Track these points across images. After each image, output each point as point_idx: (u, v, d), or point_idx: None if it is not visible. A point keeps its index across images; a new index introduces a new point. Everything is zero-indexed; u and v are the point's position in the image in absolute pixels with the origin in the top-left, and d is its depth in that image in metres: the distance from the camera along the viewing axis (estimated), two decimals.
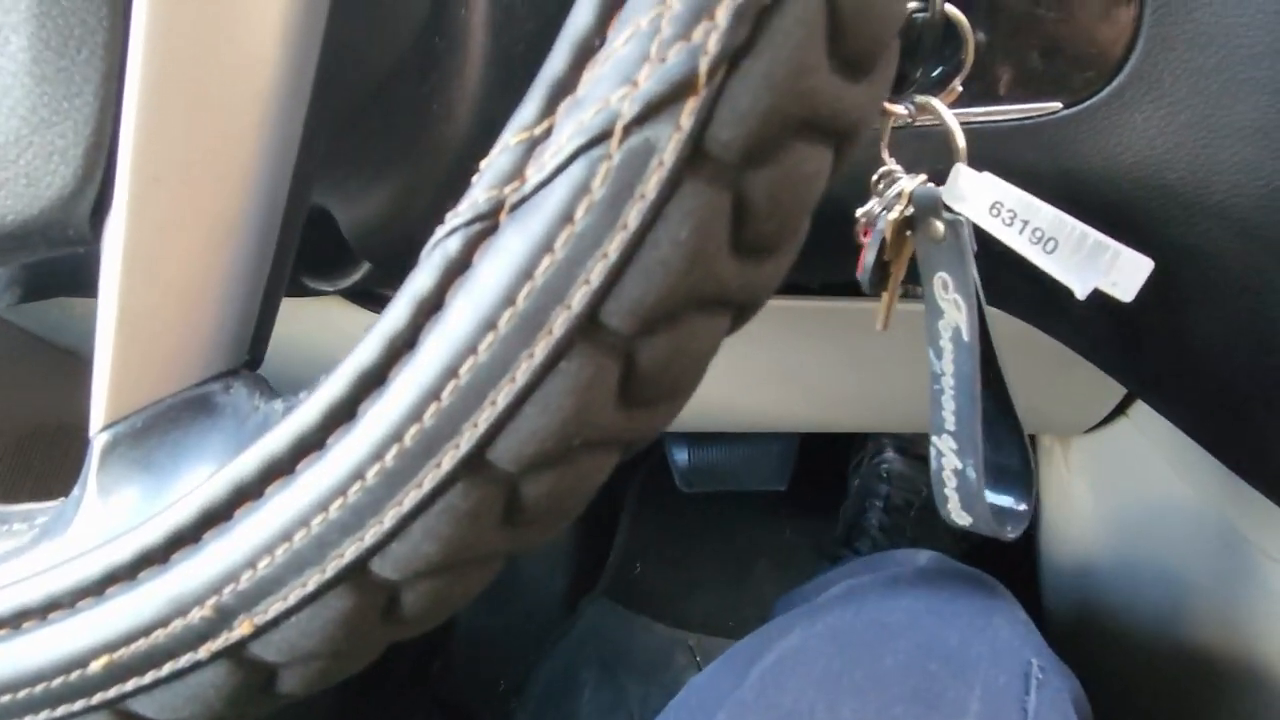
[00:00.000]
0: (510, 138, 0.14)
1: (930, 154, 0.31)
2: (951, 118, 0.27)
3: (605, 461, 0.16)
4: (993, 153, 0.30)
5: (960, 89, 0.28)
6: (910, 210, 0.29)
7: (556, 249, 0.13)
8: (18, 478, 0.70)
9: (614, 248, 0.13)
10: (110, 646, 0.16)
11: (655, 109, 0.13)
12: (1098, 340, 0.36)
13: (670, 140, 0.13)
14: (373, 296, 0.50)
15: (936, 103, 0.27)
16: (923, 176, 0.29)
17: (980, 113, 0.30)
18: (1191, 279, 0.30)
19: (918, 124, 0.29)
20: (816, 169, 0.14)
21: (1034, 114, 0.30)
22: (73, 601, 0.17)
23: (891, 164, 0.30)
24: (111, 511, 0.17)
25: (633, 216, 0.13)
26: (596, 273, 0.13)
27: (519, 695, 0.87)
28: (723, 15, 0.12)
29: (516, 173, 0.14)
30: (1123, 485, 0.56)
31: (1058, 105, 0.29)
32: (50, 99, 0.17)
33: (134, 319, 0.18)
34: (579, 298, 0.14)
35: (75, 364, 0.74)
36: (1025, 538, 0.75)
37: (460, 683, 0.90)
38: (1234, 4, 0.27)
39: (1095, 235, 0.24)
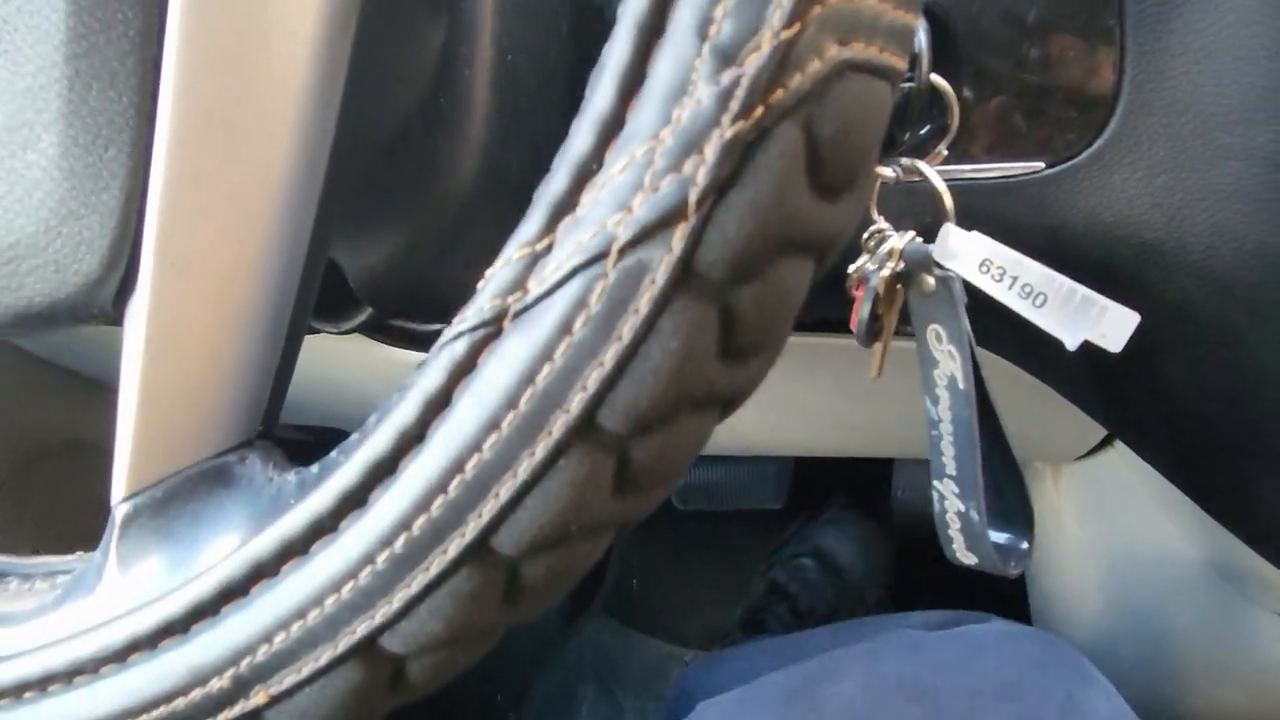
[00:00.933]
0: (513, 251, 0.15)
1: (916, 208, 0.32)
2: (939, 180, 0.28)
3: (601, 542, 0.17)
4: (977, 208, 0.31)
5: (946, 152, 0.29)
6: (901, 266, 0.30)
7: (556, 358, 0.14)
8: (26, 495, 0.71)
9: (609, 358, 0.14)
10: (132, 713, 0.17)
11: (648, 233, 0.14)
12: (1080, 385, 0.37)
13: (662, 262, 0.14)
14: (380, 328, 0.51)
15: (924, 166, 0.28)
16: (911, 234, 0.30)
17: (966, 170, 0.31)
18: (1170, 333, 0.31)
19: (904, 180, 0.30)
20: (799, 280, 0.15)
21: (1017, 173, 0.31)
22: (96, 668, 0.18)
23: (881, 222, 0.31)
24: (133, 580, 0.18)
25: (627, 330, 0.14)
26: (593, 380, 0.14)
27: (517, 710, 0.88)
28: (710, 151, 0.13)
29: (519, 284, 0.15)
30: (1110, 514, 0.57)
31: (1040, 165, 0.30)
32: (78, 192, 0.18)
33: (155, 396, 0.19)
34: (577, 402, 0.15)
35: (81, 382, 0.75)
36: None
37: (458, 698, 0.91)
38: (1209, 74, 0.28)
39: (1083, 290, 0.25)
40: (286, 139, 0.19)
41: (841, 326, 0.48)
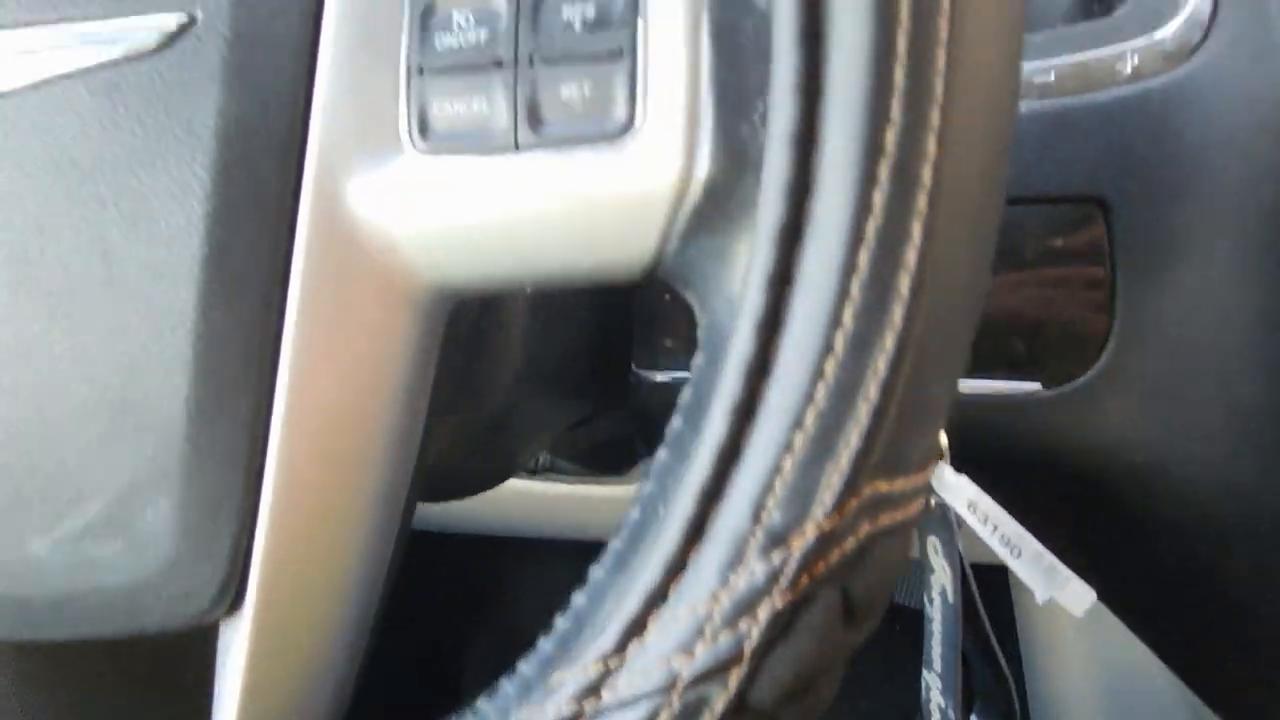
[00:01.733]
0: (590, 661, 0.17)
1: None
2: None
3: None
4: (979, 422, 0.34)
5: None
6: None
7: None
8: None
9: None
10: None
11: (707, 676, 0.16)
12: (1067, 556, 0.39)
13: (719, 698, 0.16)
14: None
15: None
16: None
17: (969, 389, 0.34)
18: (1153, 544, 0.33)
19: None
20: (831, 688, 0.18)
21: (1017, 393, 0.33)
22: None
23: None
24: None
25: None
26: None
27: None
28: (763, 615, 0.16)
29: (594, 691, 0.17)
30: (1105, 622, 0.60)
31: (1038, 387, 0.33)
32: (191, 548, 0.20)
33: (253, 702, 0.21)
34: None
35: None
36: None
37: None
38: (1194, 327, 0.30)
39: (1049, 557, 0.27)
40: (377, 477, 0.21)
41: None
